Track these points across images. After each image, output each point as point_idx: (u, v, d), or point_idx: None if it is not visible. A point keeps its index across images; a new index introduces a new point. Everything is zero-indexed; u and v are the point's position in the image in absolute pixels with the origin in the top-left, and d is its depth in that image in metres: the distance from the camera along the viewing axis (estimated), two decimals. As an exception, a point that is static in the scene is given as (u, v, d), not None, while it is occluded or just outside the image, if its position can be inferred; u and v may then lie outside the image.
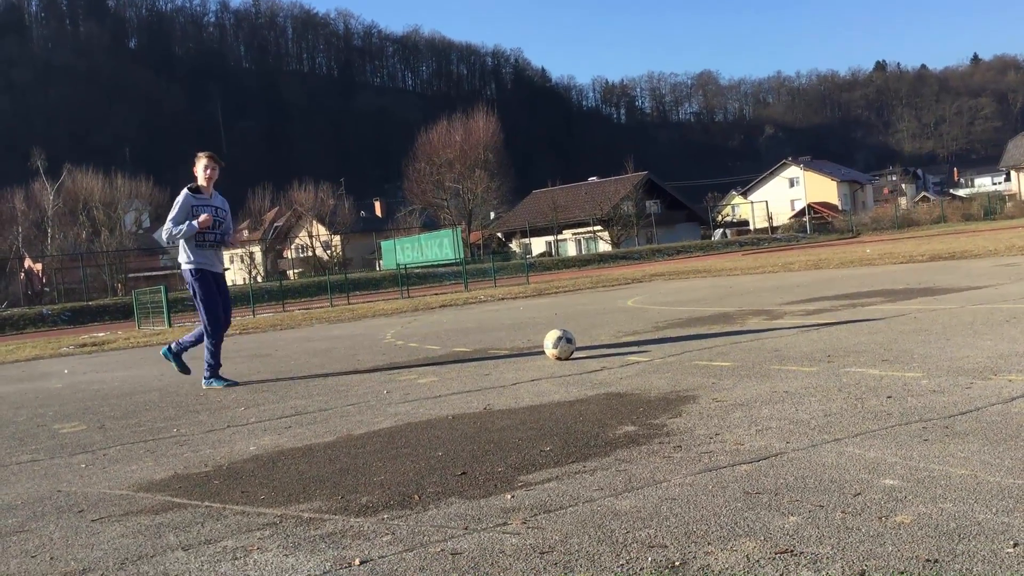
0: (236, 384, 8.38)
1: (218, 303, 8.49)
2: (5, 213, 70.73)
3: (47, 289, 65.05)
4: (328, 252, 77.93)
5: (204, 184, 8.48)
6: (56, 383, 10.68)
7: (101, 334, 23.51)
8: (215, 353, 8.46)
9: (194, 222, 8.32)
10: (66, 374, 11.97)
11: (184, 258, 8.48)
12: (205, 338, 8.48)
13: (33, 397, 9.24)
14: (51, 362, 15.03)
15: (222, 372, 8.66)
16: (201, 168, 8.47)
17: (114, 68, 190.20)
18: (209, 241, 8.51)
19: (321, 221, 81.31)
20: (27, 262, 70.32)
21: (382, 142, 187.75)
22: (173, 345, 8.81)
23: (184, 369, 8.84)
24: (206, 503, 4.01)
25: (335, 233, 78.68)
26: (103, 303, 42.65)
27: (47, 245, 69.38)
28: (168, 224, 8.37)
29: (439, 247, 33.66)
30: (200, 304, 8.43)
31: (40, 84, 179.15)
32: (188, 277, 8.49)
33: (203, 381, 8.50)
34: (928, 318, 8.50)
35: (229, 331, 10.93)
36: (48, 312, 39.37)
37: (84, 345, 18.33)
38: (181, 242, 8.43)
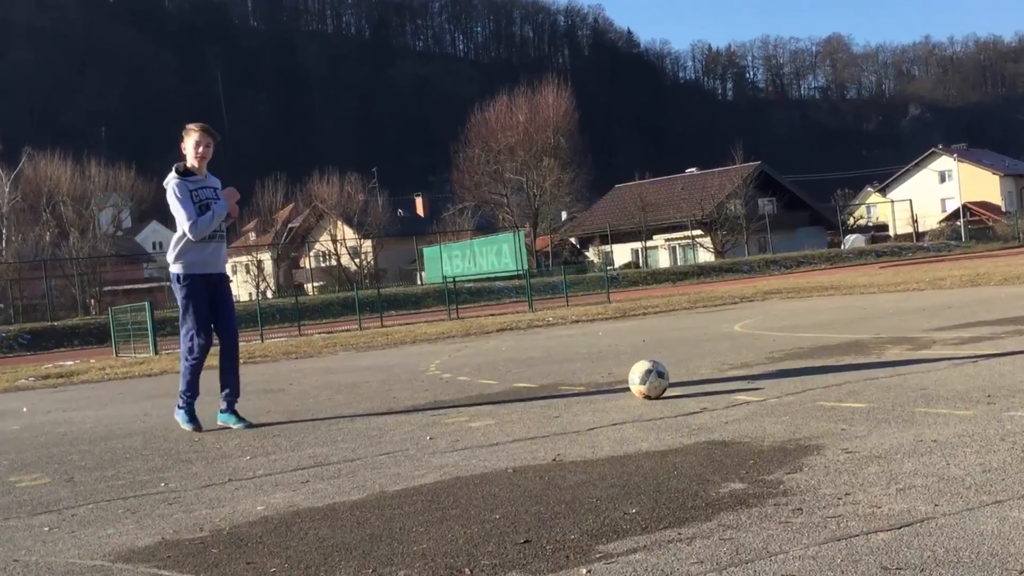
0: (200, 428, 8.43)
1: (208, 316, 8.55)
2: None
3: (1, 305, 66.08)
4: (356, 261, 78.58)
5: (195, 164, 8.54)
6: (12, 424, 10.87)
7: (69, 363, 23.90)
8: (193, 381, 8.53)
9: (220, 202, 8.42)
10: (25, 413, 12.17)
11: (172, 256, 8.55)
12: (185, 363, 8.55)
13: (-14, 440, 9.40)
14: (5, 397, 15.31)
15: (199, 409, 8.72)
16: (191, 144, 8.52)
17: (88, 26, 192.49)
18: (212, 232, 8.60)
19: (348, 222, 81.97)
20: (-26, 270, 71.11)
21: (425, 123, 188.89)
22: (223, 402, 8.76)
23: (240, 421, 8.64)
24: None
25: (365, 237, 79.29)
26: (71, 323, 43.30)
27: (1, 250, 70.02)
28: (184, 220, 8.35)
29: (496, 255, 33.74)
30: (185, 314, 8.50)
31: None
32: (175, 282, 8.59)
33: (175, 411, 8.67)
34: None
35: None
36: (2, 334, 40.04)
37: (47, 376, 18.65)
38: (175, 237, 8.53)
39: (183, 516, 5.18)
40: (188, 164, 8.53)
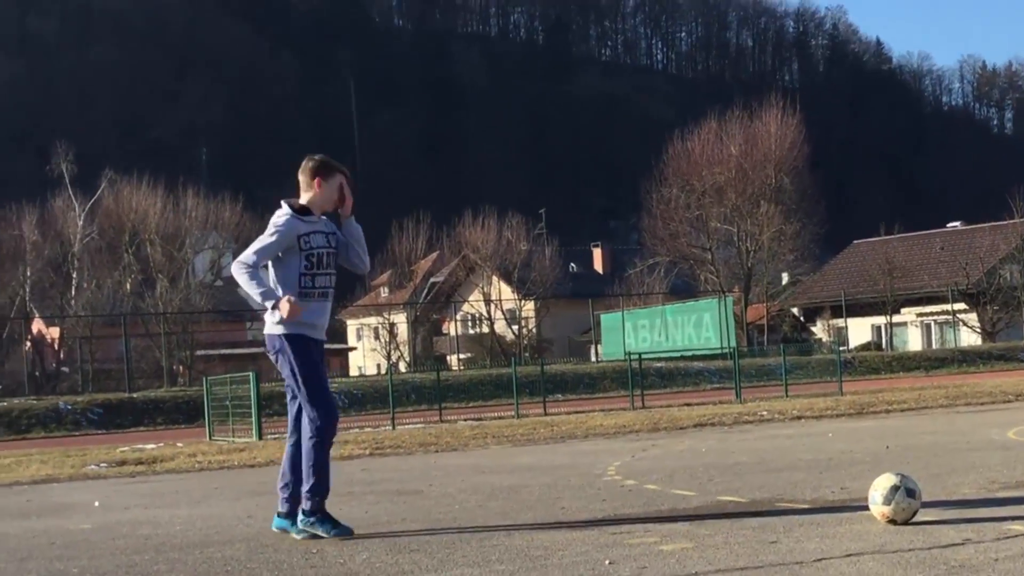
0: (351, 534, 8.57)
1: (326, 380, 8.75)
2: (6, 245, 71.29)
3: (66, 369, 67.72)
4: (515, 328, 79.07)
5: (323, 205, 8.77)
6: (82, 522, 11.13)
7: (151, 445, 24.47)
8: (324, 469, 8.62)
9: (278, 299, 8.50)
10: (97, 508, 12.48)
11: (273, 316, 8.64)
12: (309, 443, 8.64)
13: (46, 543, 9.62)
14: (72, 487, 15.75)
15: (331, 507, 8.83)
16: (334, 185, 8.73)
17: (191, 21, 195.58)
18: (321, 288, 8.80)
19: (506, 278, 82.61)
20: (37, 325, 72.58)
21: (610, 153, 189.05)
22: (281, 504, 8.87)
23: (340, 530, 8.68)
24: None
25: (527, 298, 79.72)
26: (154, 396, 44.19)
27: (70, 299, 71.21)
28: (249, 254, 8.57)
29: (696, 328, 33.83)
30: (301, 383, 8.62)
31: (73, 42, 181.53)
32: (277, 345, 8.70)
33: (298, 521, 8.69)
34: None
35: (352, 448, 11.24)
36: (67, 407, 41.00)
37: (124, 463, 19.15)
38: (275, 288, 8.67)
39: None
40: (307, 202, 8.73)
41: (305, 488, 8.65)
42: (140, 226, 69.89)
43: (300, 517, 8.68)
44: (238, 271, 8.57)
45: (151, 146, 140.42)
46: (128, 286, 69.90)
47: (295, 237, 8.57)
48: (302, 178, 8.78)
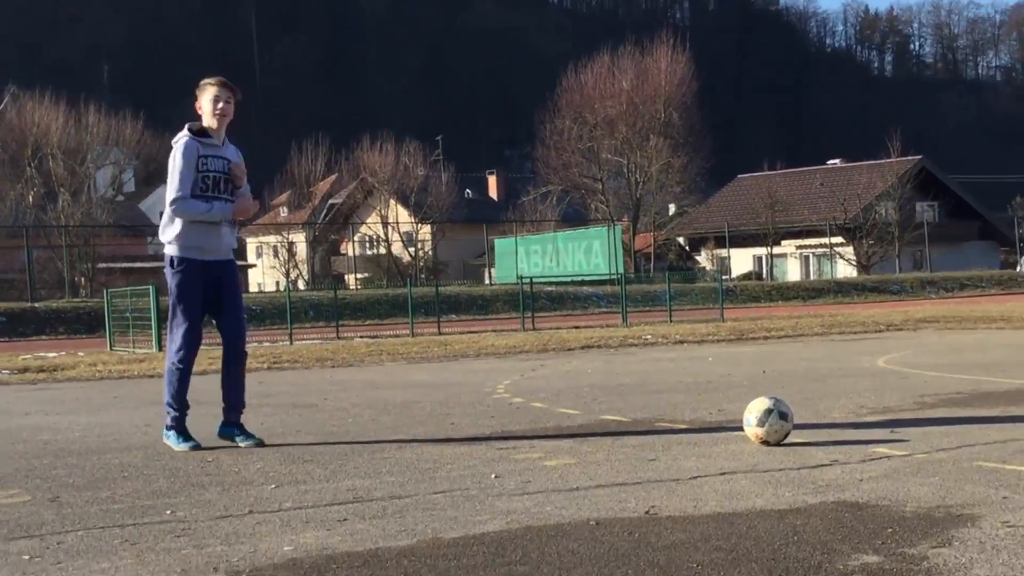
0: (199, 447, 8.58)
1: (199, 312, 8.72)
2: None
3: (-30, 281, 66.77)
4: (411, 250, 78.87)
5: (213, 125, 8.70)
6: (-14, 427, 11.11)
7: (52, 354, 24.25)
8: (180, 389, 8.65)
9: (225, 205, 8.58)
10: None
11: (167, 235, 8.67)
12: (168, 364, 8.72)
13: (-52, 446, 9.60)
14: (-22, 394, 15.61)
15: (191, 424, 8.84)
16: (209, 100, 8.68)
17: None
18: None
19: (403, 201, 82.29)
20: (-58, 237, 71.73)
21: (506, 84, 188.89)
22: (168, 419, 8.82)
23: (192, 443, 8.70)
24: (216, 625, 4.18)
25: (424, 221, 79.52)
26: (56, 306, 43.66)
27: (-27, 211, 70.50)
28: (174, 189, 8.53)
29: (586, 254, 33.90)
30: (170, 306, 8.69)
31: None
32: (165, 263, 8.75)
33: (163, 431, 8.81)
34: None
35: (250, 362, 11.19)
36: (-28, 316, 40.54)
37: (26, 370, 18.98)
38: (167, 212, 8.65)
39: (193, 552, 5.28)
40: (204, 124, 8.68)
41: (165, 403, 8.74)
42: (43, 140, 68.78)
43: (163, 430, 8.81)
44: (178, 212, 8.53)
45: (55, 65, 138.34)
46: (31, 199, 68.80)
47: (196, 159, 8.54)
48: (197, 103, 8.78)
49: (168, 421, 8.70)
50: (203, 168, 8.56)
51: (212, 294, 8.74)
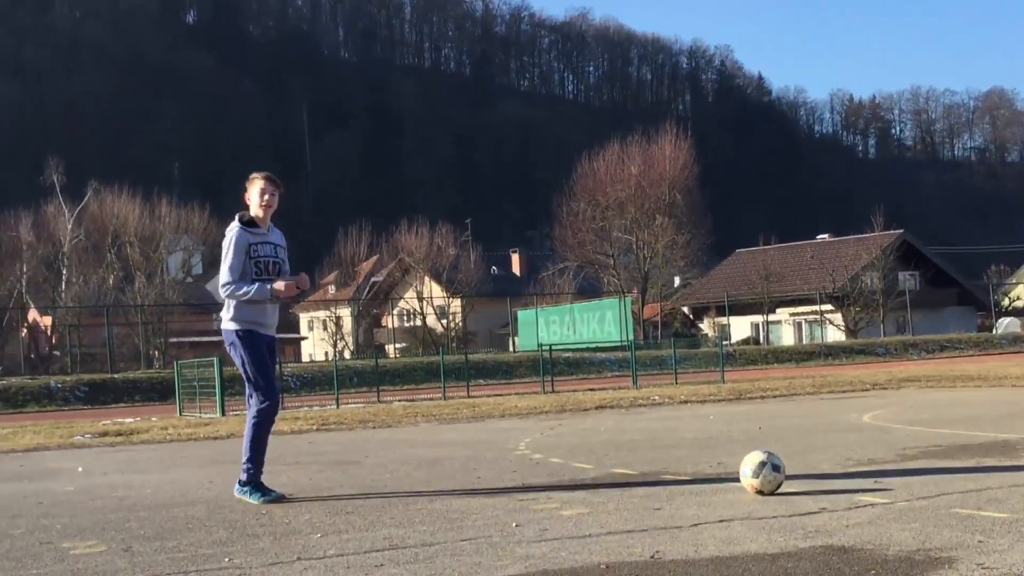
0: (282, 498, 8.65)
1: (271, 369, 8.83)
2: (5, 244, 72.07)
3: (57, 353, 67.35)
4: (443, 322, 78.99)
5: (260, 215, 8.84)
6: (67, 485, 11.16)
7: (129, 420, 24.35)
8: (261, 447, 8.74)
9: (269, 286, 8.67)
10: (80, 473, 12.51)
11: (228, 313, 8.79)
12: (251, 422, 8.76)
13: (35, 502, 9.66)
14: (60, 455, 15.69)
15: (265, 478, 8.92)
16: (256, 193, 8.83)
17: (164, 50, 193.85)
18: None
19: (436, 278, 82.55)
20: (32, 314, 72.61)
21: (526, 171, 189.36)
22: (243, 473, 8.87)
23: (270, 497, 8.72)
24: (267, 661, 4.20)
25: (455, 296, 79.67)
26: (133, 377, 44.03)
27: (60, 292, 71.34)
28: (225, 274, 8.66)
29: (600, 323, 33.81)
30: (251, 371, 8.74)
31: (62, 68, 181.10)
32: (231, 339, 8.80)
33: (236, 487, 8.83)
34: None
35: (301, 424, 11.21)
36: (57, 385, 40.88)
37: (105, 434, 19.05)
38: (223, 294, 8.76)
39: (247, 596, 5.32)
40: (252, 214, 8.82)
41: (243, 460, 8.79)
42: (121, 229, 70.05)
43: (236, 487, 8.82)
44: (228, 294, 8.66)
45: (131, 161, 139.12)
46: (111, 281, 69.91)
47: (246, 247, 8.67)
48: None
49: (243, 478, 8.75)
50: (255, 255, 8.70)
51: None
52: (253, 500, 8.63)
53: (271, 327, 8.93)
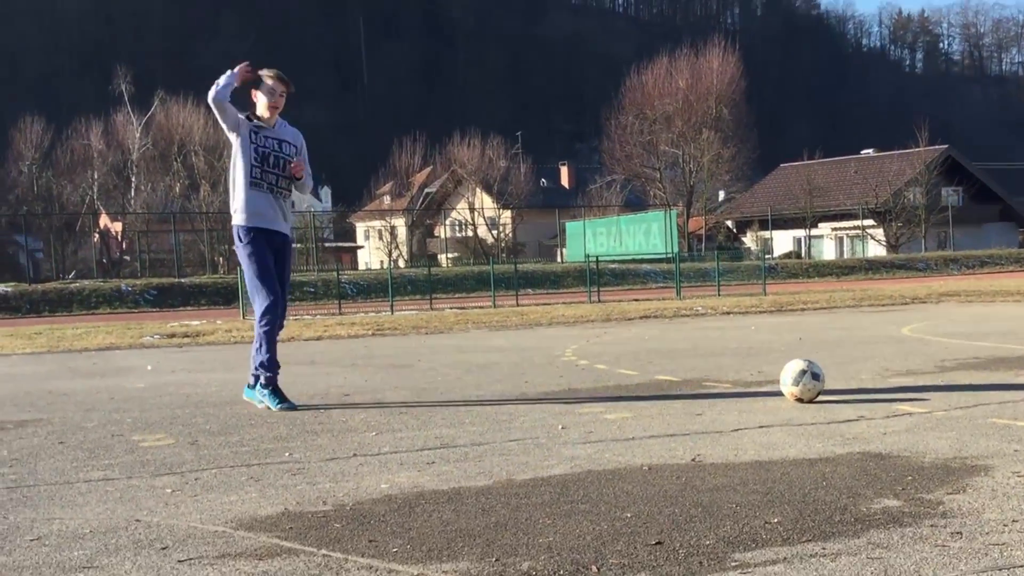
0: (294, 407, 8.45)
1: (272, 271, 8.52)
2: (77, 152, 72.89)
3: (127, 258, 67.99)
4: (494, 233, 78.96)
5: (265, 115, 8.58)
6: (137, 382, 11.37)
7: (195, 322, 24.64)
8: (270, 347, 8.48)
9: (233, 70, 8.43)
10: (149, 371, 12.72)
11: (234, 205, 8.55)
12: (256, 326, 8.59)
13: (107, 398, 9.86)
14: (130, 354, 15.93)
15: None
16: (266, 91, 8.56)
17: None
18: (271, 184, 8.59)
19: (488, 190, 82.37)
20: (103, 220, 73.29)
21: (576, 84, 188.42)
22: (251, 377, 8.76)
23: (286, 404, 8.54)
24: (323, 551, 4.26)
25: (505, 207, 79.60)
26: (199, 281, 44.44)
27: (130, 199, 71.99)
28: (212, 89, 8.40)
29: (645, 236, 33.71)
30: (245, 273, 8.59)
31: None
32: (234, 234, 8.60)
33: (255, 391, 8.67)
34: None
35: (357, 328, 11.25)
36: (128, 288, 41.35)
37: (173, 335, 19.29)
38: (233, 186, 8.58)
39: (307, 488, 5.42)
40: (259, 113, 8.58)
41: (258, 363, 8.58)
42: (187, 139, 70.49)
43: (257, 387, 8.62)
44: (210, 95, 8.39)
45: (195, 71, 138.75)
46: (177, 189, 70.39)
47: (246, 129, 8.43)
48: None
49: (262, 382, 8.55)
50: (255, 141, 8.45)
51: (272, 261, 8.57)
52: (271, 405, 8.44)
53: (275, 221, 8.59)
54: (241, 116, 8.52)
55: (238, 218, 8.51)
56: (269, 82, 8.54)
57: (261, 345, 8.48)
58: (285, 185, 8.64)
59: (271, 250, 8.56)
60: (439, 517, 4.73)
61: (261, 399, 8.56)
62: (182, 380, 11.37)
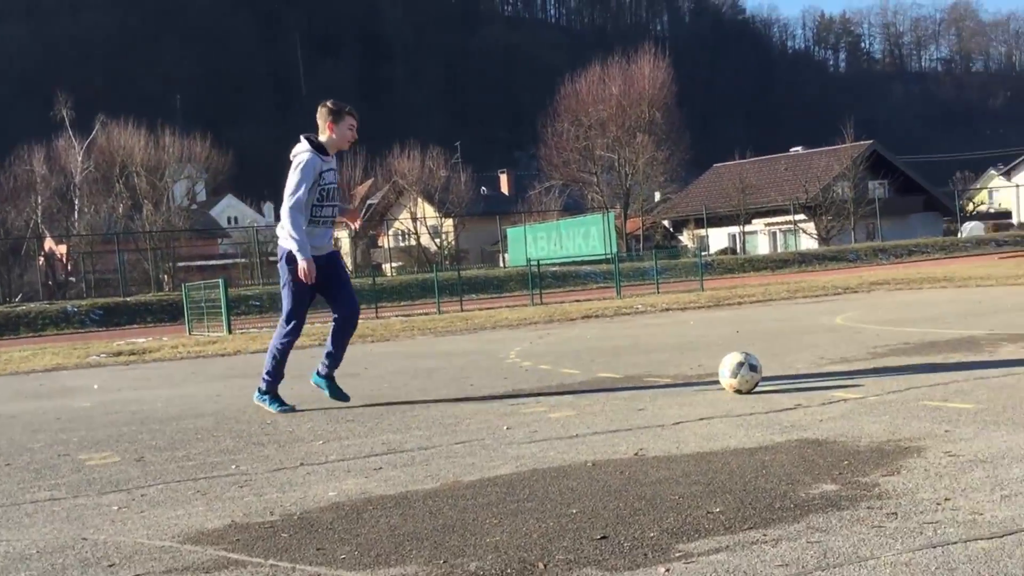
0: (293, 410, 8.73)
1: (307, 300, 8.82)
2: (20, 178, 72.08)
3: (73, 279, 67.43)
4: (437, 241, 78.94)
5: (343, 147, 8.86)
6: (83, 401, 11.21)
7: (141, 340, 24.38)
8: (281, 361, 8.82)
9: (308, 250, 8.49)
10: (96, 390, 12.55)
11: (284, 231, 8.63)
12: (275, 338, 8.85)
13: (53, 418, 9.72)
14: (77, 374, 15.73)
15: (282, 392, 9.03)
16: (344, 127, 8.70)
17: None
18: (325, 217, 8.78)
19: (429, 199, 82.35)
20: (48, 243, 72.78)
21: (512, 94, 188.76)
22: (321, 367, 9.06)
23: (284, 407, 8.83)
24: (271, 561, 4.21)
25: (447, 216, 79.62)
26: (144, 300, 44.06)
27: (73, 221, 71.52)
28: (289, 196, 8.46)
29: (584, 238, 33.82)
30: (285, 291, 8.74)
31: (68, 8, 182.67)
32: (283, 254, 8.72)
33: (254, 397, 9.00)
34: None
35: (303, 339, 11.19)
36: (74, 309, 40.95)
37: (119, 354, 19.08)
38: (283, 215, 8.68)
39: (253, 499, 5.36)
40: (324, 141, 8.67)
41: (264, 372, 8.88)
42: (128, 160, 70.05)
43: (256, 394, 8.98)
44: (293, 214, 8.43)
45: (135, 94, 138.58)
46: (120, 210, 69.96)
47: (316, 173, 8.53)
48: (319, 121, 8.73)
49: (263, 387, 8.84)
50: (322, 182, 8.59)
51: (323, 281, 8.71)
52: (271, 408, 8.77)
53: (323, 250, 8.83)
54: (311, 154, 8.56)
55: (289, 243, 8.57)
56: (350, 119, 8.74)
57: (274, 357, 8.80)
58: (334, 213, 8.93)
59: (324, 271, 8.73)
60: (387, 522, 4.69)
61: (258, 403, 8.95)
62: (128, 398, 11.23)
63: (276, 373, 8.85)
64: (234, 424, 8.29)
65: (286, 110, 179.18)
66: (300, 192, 8.45)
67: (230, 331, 25.41)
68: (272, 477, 5.93)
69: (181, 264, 66.48)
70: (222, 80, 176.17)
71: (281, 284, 8.85)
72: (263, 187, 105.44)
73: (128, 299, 44.35)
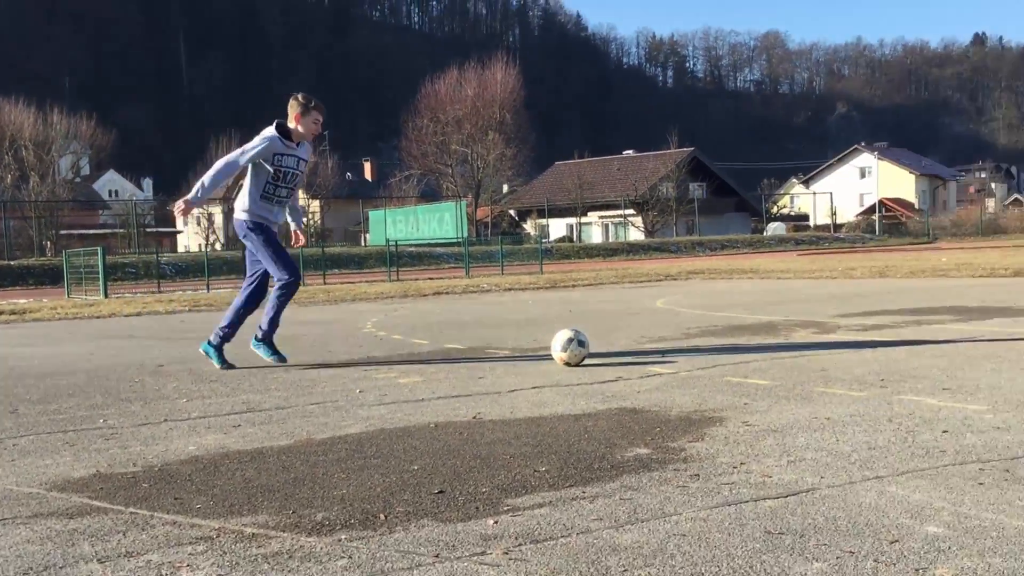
0: (284, 361, 8.62)
1: (285, 251, 8.66)
2: None
3: (-40, 242, 65.31)
4: (305, 220, 78.14)
5: (307, 139, 8.63)
6: (-35, 356, 10.80)
7: (22, 301, 23.67)
8: (278, 313, 8.67)
9: (198, 197, 8.40)
10: (-22, 346, 12.10)
11: (242, 205, 8.55)
12: (274, 295, 8.64)
13: (-64, 371, 9.35)
14: (-39, 330, 15.18)
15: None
16: (310, 121, 8.49)
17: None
18: (280, 197, 8.61)
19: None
20: (-65, 208, 70.45)
21: (377, 91, 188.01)
22: (258, 330, 8.79)
23: (278, 356, 8.69)
24: (131, 509, 4.09)
25: (313, 197, 78.89)
26: (27, 263, 42.98)
27: (-39, 189, 69.43)
28: (234, 153, 8.40)
29: (438, 223, 33.76)
30: (269, 256, 8.51)
31: None
32: (243, 229, 8.56)
33: (251, 342, 8.81)
34: (1003, 344, 8.58)
35: (174, 304, 10.97)
36: (-41, 271, 39.71)
37: (1, 313, 18.47)
38: (245, 188, 8.52)
39: (118, 451, 5.21)
40: (292, 128, 8.49)
41: (263, 323, 8.75)
42: (17, 135, 68.07)
43: (252, 341, 8.81)
44: (222, 161, 8.37)
45: (27, 76, 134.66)
46: (8, 180, 67.89)
47: (271, 154, 8.35)
48: (289, 110, 8.55)
49: (259, 334, 8.69)
50: (278, 163, 8.41)
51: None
52: (268, 357, 8.64)
53: (276, 224, 8.73)
54: (272, 137, 8.39)
55: (244, 216, 8.53)
56: (318, 115, 8.57)
57: (272, 308, 8.64)
58: (289, 195, 8.73)
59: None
60: (241, 475, 4.59)
61: (259, 348, 8.76)
62: (6, 354, 10.86)
63: (272, 326, 8.68)
64: (104, 382, 8.05)
65: (168, 94, 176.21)
66: (239, 157, 8.35)
67: (106, 295, 24.91)
68: (137, 431, 5.77)
69: (64, 232, 64.81)
70: (110, 66, 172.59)
71: (254, 255, 8.65)
72: (143, 164, 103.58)
73: (12, 263, 43.20)
